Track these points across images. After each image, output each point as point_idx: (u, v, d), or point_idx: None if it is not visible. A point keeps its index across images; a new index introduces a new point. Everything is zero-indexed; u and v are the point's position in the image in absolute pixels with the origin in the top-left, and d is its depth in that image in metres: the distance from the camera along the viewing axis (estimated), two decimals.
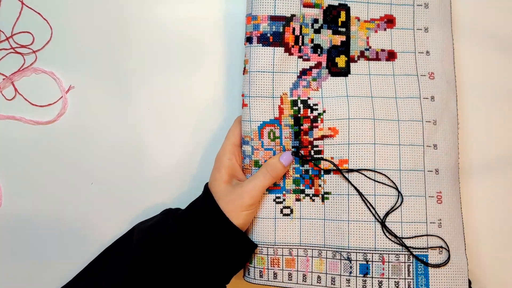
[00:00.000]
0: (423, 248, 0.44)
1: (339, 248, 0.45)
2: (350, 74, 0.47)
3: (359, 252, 0.44)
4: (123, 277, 0.43)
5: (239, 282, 0.48)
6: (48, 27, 0.52)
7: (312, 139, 0.46)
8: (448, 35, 0.48)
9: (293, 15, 0.46)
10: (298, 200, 0.47)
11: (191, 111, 0.52)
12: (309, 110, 0.46)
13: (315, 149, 0.46)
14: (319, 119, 0.46)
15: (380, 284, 0.44)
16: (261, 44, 0.45)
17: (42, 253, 0.51)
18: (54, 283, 0.50)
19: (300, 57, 0.47)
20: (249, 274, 0.47)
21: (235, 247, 0.44)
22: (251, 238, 0.46)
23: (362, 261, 0.44)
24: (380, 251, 0.44)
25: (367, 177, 0.45)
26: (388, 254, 0.44)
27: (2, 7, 0.51)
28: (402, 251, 0.44)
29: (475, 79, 0.52)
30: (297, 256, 0.46)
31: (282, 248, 0.46)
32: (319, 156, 0.46)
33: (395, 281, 0.44)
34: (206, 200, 0.45)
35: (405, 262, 0.44)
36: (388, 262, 0.44)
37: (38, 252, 0.51)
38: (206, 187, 0.46)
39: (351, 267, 0.45)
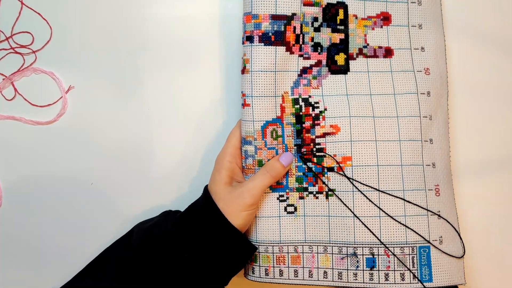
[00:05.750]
0: (425, 240, 0.45)
1: (345, 244, 0.46)
2: (349, 71, 0.48)
3: (365, 247, 0.45)
4: (122, 277, 0.43)
5: (241, 281, 0.48)
6: (48, 27, 0.51)
7: (314, 136, 0.46)
8: (440, 31, 0.49)
9: (293, 14, 0.46)
10: (301, 198, 0.47)
11: (191, 112, 0.52)
12: (310, 108, 0.47)
13: (317, 146, 0.46)
14: (320, 116, 0.47)
15: (386, 277, 0.45)
16: (262, 44, 0.45)
17: (42, 253, 0.51)
18: (54, 283, 0.50)
19: (300, 55, 0.47)
20: (253, 273, 0.47)
21: (234, 248, 0.44)
22: (255, 237, 0.46)
23: (368, 255, 0.45)
24: (386, 244, 0.45)
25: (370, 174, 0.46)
26: (394, 247, 0.45)
27: (2, 7, 0.51)
28: (406, 244, 0.45)
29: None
30: (303, 253, 0.46)
31: (288, 245, 0.46)
32: (322, 153, 0.46)
33: (400, 273, 0.45)
34: (205, 202, 0.45)
35: (409, 254, 0.45)
36: (394, 254, 0.45)
37: (38, 252, 0.51)
38: (206, 189, 0.46)
39: (357, 261, 0.45)
